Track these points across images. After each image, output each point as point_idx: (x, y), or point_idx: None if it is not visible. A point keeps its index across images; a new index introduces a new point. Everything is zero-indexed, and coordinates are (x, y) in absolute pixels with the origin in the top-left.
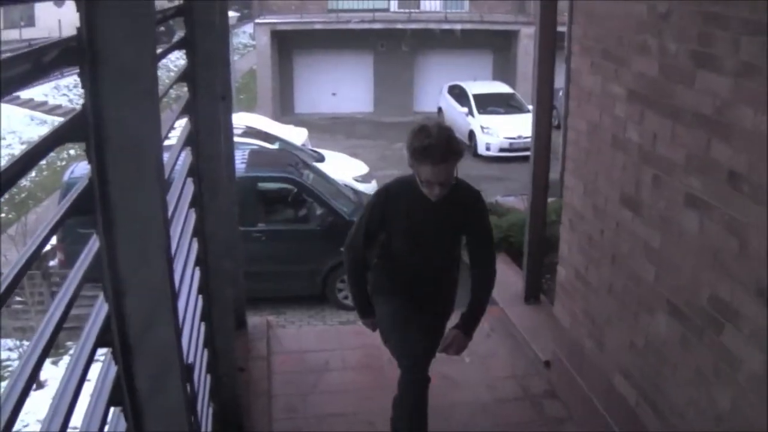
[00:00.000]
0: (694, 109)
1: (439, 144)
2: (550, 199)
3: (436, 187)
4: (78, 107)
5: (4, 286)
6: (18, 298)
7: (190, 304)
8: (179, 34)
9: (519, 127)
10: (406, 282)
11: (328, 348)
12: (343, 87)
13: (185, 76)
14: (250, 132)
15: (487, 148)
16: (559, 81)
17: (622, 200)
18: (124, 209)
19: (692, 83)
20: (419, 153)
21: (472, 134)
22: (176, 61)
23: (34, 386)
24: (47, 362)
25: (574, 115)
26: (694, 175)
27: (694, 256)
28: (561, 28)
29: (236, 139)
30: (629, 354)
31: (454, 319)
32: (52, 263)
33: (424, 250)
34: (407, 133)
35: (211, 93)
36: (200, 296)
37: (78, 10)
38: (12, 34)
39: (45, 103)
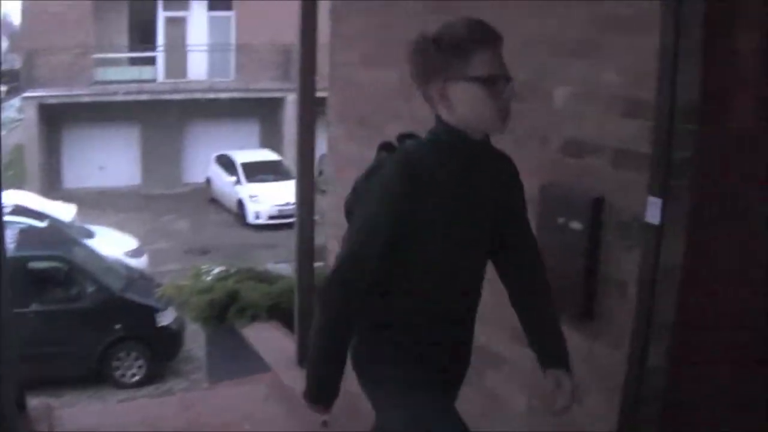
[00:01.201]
0: None
1: (480, 20)
2: (320, 264)
3: (508, 87)
4: None
5: None
6: None
7: None
8: None
9: (287, 193)
10: (436, 343)
11: (110, 427)
12: (111, 160)
13: None
14: (19, 210)
15: (257, 217)
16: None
17: None
18: None
19: None
20: (466, 38)
21: (241, 203)
22: None
23: None
24: None
25: (333, 180)
26: None
27: None
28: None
29: (6, 218)
30: None
31: None
32: None
33: (464, 276)
34: (411, 50)
35: None
36: None
37: None
38: None
39: None
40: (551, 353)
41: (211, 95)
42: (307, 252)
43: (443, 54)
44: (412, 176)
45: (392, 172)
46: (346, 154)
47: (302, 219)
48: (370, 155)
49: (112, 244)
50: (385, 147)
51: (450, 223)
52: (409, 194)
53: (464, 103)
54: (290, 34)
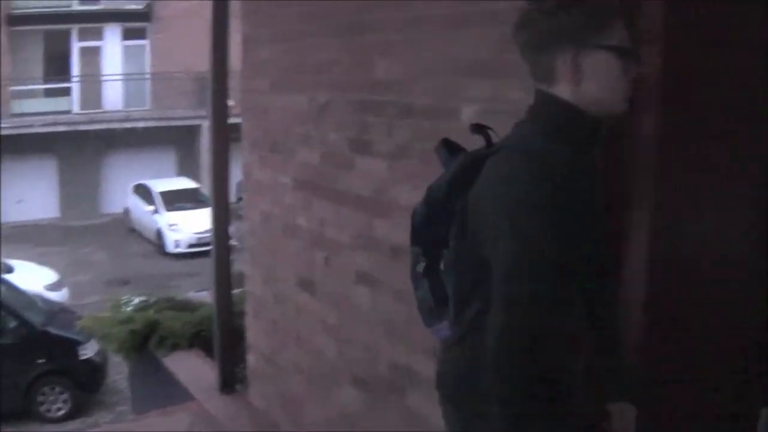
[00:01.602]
0: (355, 193)
1: None
2: (238, 291)
3: (637, 67)
4: None
5: None
6: None
7: None
8: None
9: (206, 221)
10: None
11: None
12: (28, 193)
13: None
14: None
15: (176, 245)
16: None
17: (298, 284)
18: None
19: (352, 168)
20: (602, 2)
21: (160, 232)
22: None
23: None
24: None
25: (249, 206)
26: (361, 253)
27: (370, 327)
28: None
29: None
30: (326, 429)
31: None
32: None
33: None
34: (528, 12)
35: None
36: None
37: None
38: None
39: None
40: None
41: (128, 125)
42: (224, 279)
43: (576, 18)
44: (556, 177)
45: (534, 175)
46: (259, 179)
47: (218, 246)
48: (281, 180)
49: (32, 278)
50: (454, 147)
51: (585, 238)
52: (561, 201)
53: (597, 76)
54: (204, 62)
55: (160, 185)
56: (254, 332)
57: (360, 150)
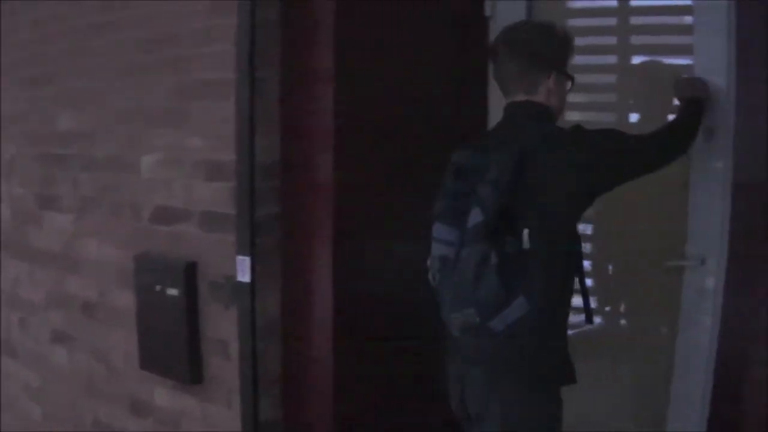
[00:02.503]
0: (45, 249)
1: None
2: None
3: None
4: None
5: None
6: None
7: None
8: None
9: None
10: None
11: None
12: None
13: None
14: None
15: None
16: None
17: None
18: None
19: (41, 224)
20: (572, 39)
21: None
22: None
23: None
24: None
25: None
26: (55, 311)
27: (70, 387)
28: None
29: None
30: None
31: None
32: None
33: None
34: (533, 33)
35: None
36: None
37: None
38: None
39: None
40: None
41: None
42: None
43: (560, 45)
44: None
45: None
46: None
47: None
48: None
49: None
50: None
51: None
52: None
53: (560, 93)
54: None
55: None
56: None
57: (47, 205)
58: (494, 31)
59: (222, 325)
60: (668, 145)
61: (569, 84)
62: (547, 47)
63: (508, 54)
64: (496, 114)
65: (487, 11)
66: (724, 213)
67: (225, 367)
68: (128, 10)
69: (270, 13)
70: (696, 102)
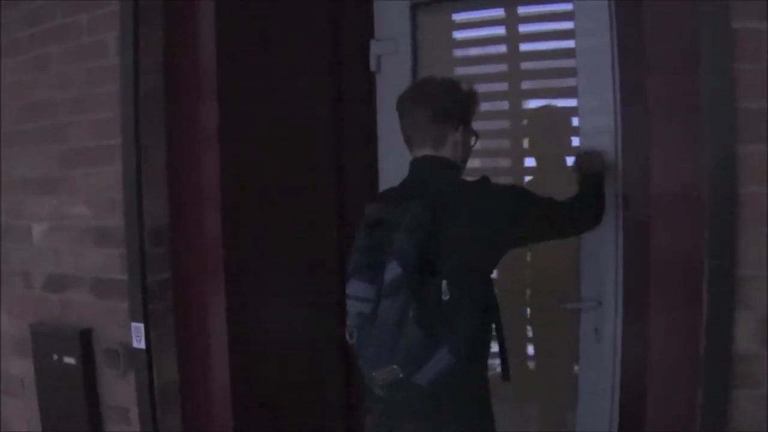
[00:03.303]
0: None
1: None
2: None
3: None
4: None
5: None
6: None
7: None
8: None
9: None
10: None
11: None
12: None
13: None
14: None
15: None
16: None
17: None
18: None
19: None
20: (476, 95)
21: None
22: None
23: None
24: None
25: None
26: None
27: None
28: None
29: None
30: None
31: None
32: None
33: None
34: (443, 89)
35: None
36: None
37: None
38: None
39: None
40: None
41: None
42: None
43: (466, 100)
44: None
45: (503, 185)
46: None
47: None
48: None
49: None
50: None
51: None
52: None
53: (465, 146)
54: None
55: None
56: None
57: None
58: (381, 84)
59: (121, 392)
60: (579, 215)
61: (474, 139)
62: (453, 102)
63: (415, 109)
64: (386, 172)
65: (372, 66)
66: (617, 257)
67: None
68: (9, 76)
69: (152, 80)
70: (596, 175)
